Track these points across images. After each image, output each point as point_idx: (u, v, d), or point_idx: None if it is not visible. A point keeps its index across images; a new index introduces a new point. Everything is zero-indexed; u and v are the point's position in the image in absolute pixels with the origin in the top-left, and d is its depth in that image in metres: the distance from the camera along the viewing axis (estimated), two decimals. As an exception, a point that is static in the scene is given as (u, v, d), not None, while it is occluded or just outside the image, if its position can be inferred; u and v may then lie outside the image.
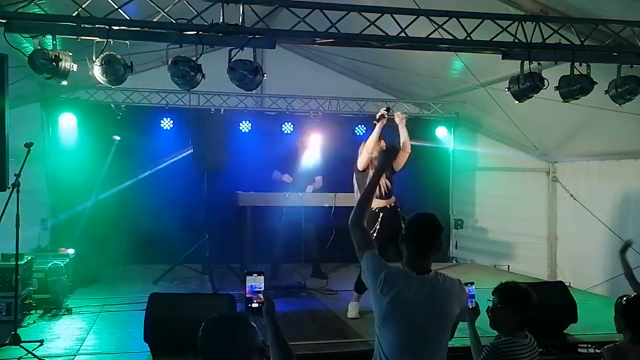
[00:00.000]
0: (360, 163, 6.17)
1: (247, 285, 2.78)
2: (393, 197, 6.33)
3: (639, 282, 4.71)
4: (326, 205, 7.89)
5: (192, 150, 8.34)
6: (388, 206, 6.22)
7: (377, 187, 5.95)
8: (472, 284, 3.40)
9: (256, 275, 2.80)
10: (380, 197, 6.12)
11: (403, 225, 6.02)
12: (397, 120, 6.33)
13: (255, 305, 2.76)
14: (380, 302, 2.86)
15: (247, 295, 2.76)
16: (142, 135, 9.20)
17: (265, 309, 2.73)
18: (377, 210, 6.10)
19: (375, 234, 5.90)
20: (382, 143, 6.14)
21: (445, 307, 2.89)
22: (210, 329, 2.21)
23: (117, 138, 8.84)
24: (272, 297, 2.81)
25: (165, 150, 9.10)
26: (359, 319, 6.10)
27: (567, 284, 6.28)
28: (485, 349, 3.23)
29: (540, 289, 5.60)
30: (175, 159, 8.99)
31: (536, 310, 3.34)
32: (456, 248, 10.51)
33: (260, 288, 2.76)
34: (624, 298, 3.56)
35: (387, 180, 6.18)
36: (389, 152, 3.63)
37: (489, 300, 3.41)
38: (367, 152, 6.09)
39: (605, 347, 3.37)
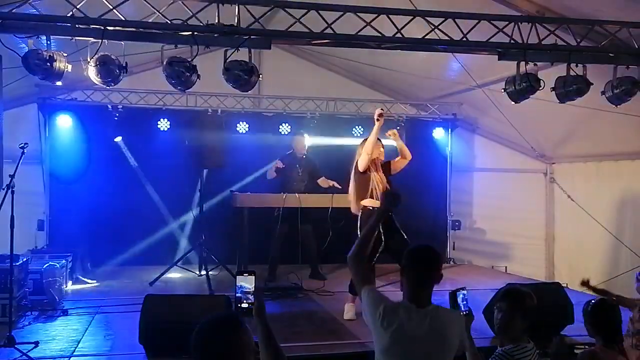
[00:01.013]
0: (361, 164, 6.14)
1: (236, 284, 2.75)
2: None
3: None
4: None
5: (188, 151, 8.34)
6: None
7: (376, 187, 6.09)
8: (463, 289, 3.35)
9: (247, 275, 2.76)
10: (378, 197, 6.04)
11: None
12: (389, 136, 6.34)
13: (244, 305, 2.72)
14: (382, 336, 2.83)
15: (236, 295, 2.74)
16: (139, 137, 9.18)
17: (255, 310, 2.70)
18: (373, 210, 6.04)
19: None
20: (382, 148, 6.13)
21: (446, 339, 2.88)
22: (204, 330, 2.20)
23: (119, 139, 8.90)
24: (267, 298, 2.80)
25: (162, 152, 9.08)
26: (356, 320, 6.08)
27: (564, 284, 6.27)
28: (496, 356, 3.18)
29: (536, 290, 5.61)
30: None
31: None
32: (454, 249, 10.50)
33: (250, 288, 2.73)
34: (591, 303, 3.57)
35: (384, 181, 6.17)
36: (392, 197, 3.35)
37: (496, 307, 3.37)
38: (366, 153, 6.08)
39: (582, 352, 3.38)
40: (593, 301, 3.61)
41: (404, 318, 2.82)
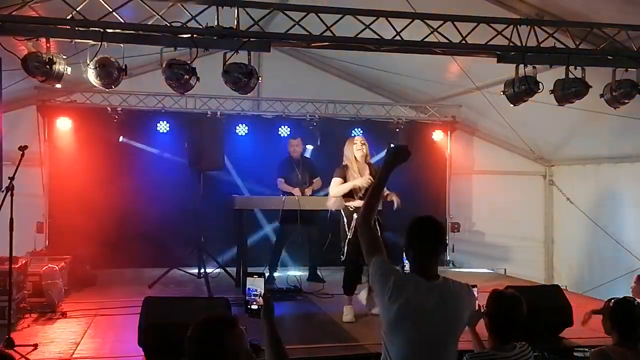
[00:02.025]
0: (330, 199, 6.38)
1: (247, 286, 2.78)
2: None
3: None
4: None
5: (188, 153, 8.34)
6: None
7: (355, 189, 6.17)
8: (474, 286, 3.30)
9: (256, 277, 2.80)
10: (359, 198, 6.17)
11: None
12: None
13: (254, 307, 2.75)
14: (389, 309, 2.80)
15: (246, 297, 2.75)
16: (138, 139, 9.18)
17: (263, 311, 2.73)
18: (352, 210, 6.18)
19: (350, 236, 6.09)
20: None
21: (455, 312, 2.85)
22: (198, 330, 2.21)
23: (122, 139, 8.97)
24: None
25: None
26: (355, 322, 6.08)
27: (563, 287, 6.27)
28: (473, 356, 3.15)
29: (536, 293, 5.63)
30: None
31: (529, 315, 3.31)
32: (453, 251, 10.49)
33: (259, 290, 2.75)
34: (612, 300, 3.59)
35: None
36: (400, 151, 3.10)
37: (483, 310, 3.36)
38: (335, 195, 6.29)
39: (592, 350, 3.38)
40: (614, 299, 3.62)
41: (412, 291, 2.79)
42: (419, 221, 2.96)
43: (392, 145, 3.06)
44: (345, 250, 6.21)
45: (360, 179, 6.15)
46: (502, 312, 3.16)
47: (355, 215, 6.09)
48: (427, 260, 2.89)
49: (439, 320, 2.80)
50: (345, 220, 6.26)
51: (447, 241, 10.33)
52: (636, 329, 3.46)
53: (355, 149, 6.26)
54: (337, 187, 6.24)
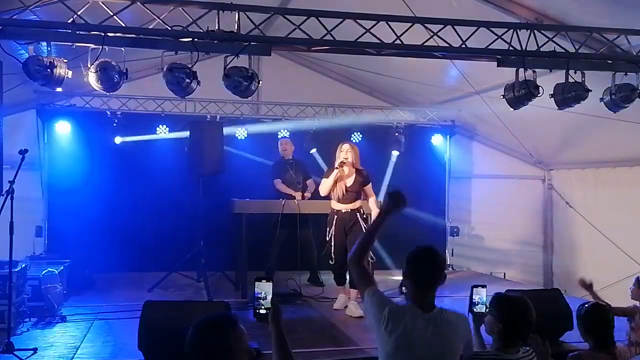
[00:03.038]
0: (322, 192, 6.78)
1: (255, 290, 2.80)
2: (356, 203, 6.68)
3: None
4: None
5: (188, 157, 8.34)
6: (343, 210, 6.63)
7: (337, 190, 6.53)
8: (484, 286, 3.35)
9: (265, 281, 2.81)
10: (338, 200, 6.64)
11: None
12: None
13: (262, 311, 2.77)
14: (385, 340, 2.82)
15: (254, 301, 2.78)
16: (138, 143, 9.17)
17: (271, 316, 2.75)
18: (334, 212, 6.70)
19: (330, 236, 6.62)
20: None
21: (452, 344, 2.88)
22: (200, 329, 2.23)
23: (120, 141, 8.98)
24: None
25: (160, 158, 9.08)
26: (355, 325, 6.07)
27: (562, 291, 6.26)
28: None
29: (536, 297, 5.60)
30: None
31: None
32: (452, 255, 10.50)
33: (268, 294, 2.77)
34: (585, 306, 3.61)
35: (344, 186, 6.60)
36: (396, 197, 3.11)
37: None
38: (322, 193, 6.77)
39: (569, 355, 3.38)
40: (586, 305, 3.64)
41: (409, 322, 2.81)
42: (417, 253, 2.98)
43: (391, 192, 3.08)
44: (332, 252, 6.61)
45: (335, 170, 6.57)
46: (515, 318, 3.11)
47: (335, 217, 6.62)
48: (424, 292, 2.92)
49: (436, 350, 2.83)
50: (329, 221, 6.71)
51: (448, 246, 10.39)
52: (610, 334, 3.50)
53: (342, 156, 6.60)
54: (322, 184, 6.72)
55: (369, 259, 6.14)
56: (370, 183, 6.77)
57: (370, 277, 3.08)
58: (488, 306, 3.31)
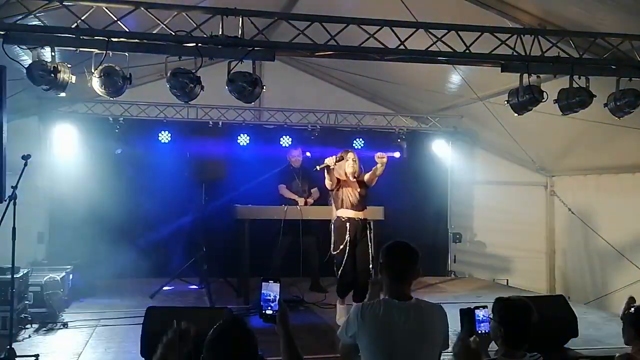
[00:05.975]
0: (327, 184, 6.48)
1: (262, 291, 2.78)
2: (366, 211, 6.54)
3: None
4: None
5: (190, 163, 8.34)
6: (356, 218, 6.43)
7: (347, 198, 6.36)
8: (484, 307, 3.17)
9: (272, 282, 2.80)
10: (350, 207, 6.41)
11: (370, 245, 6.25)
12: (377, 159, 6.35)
13: (269, 312, 2.76)
14: (362, 333, 2.92)
15: (261, 302, 2.77)
16: (140, 149, 9.18)
17: (279, 317, 2.75)
18: (344, 220, 6.38)
19: (342, 246, 6.30)
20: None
21: (428, 332, 2.94)
22: (215, 332, 2.31)
23: (119, 151, 8.93)
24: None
25: (162, 164, 9.08)
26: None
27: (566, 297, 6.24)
28: None
29: (540, 303, 5.58)
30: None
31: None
32: (454, 262, 10.48)
33: (274, 296, 2.76)
34: (632, 308, 3.56)
35: (356, 192, 6.41)
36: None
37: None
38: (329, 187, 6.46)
39: (617, 355, 3.34)
40: (637, 306, 3.59)
41: (384, 312, 2.90)
42: (390, 246, 3.07)
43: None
44: (342, 263, 6.34)
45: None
46: (515, 318, 3.08)
47: (348, 225, 6.33)
48: (398, 283, 3.02)
49: (414, 338, 2.89)
50: (334, 229, 6.46)
51: (450, 253, 10.36)
52: None
53: (347, 165, 6.46)
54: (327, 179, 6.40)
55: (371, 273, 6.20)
56: (364, 175, 6.56)
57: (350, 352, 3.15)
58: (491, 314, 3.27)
